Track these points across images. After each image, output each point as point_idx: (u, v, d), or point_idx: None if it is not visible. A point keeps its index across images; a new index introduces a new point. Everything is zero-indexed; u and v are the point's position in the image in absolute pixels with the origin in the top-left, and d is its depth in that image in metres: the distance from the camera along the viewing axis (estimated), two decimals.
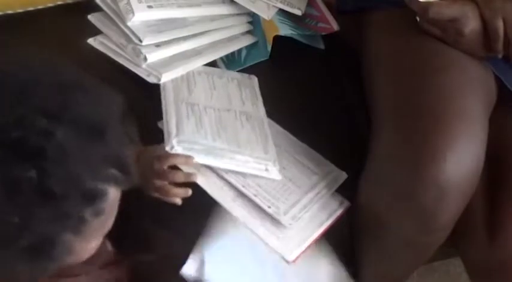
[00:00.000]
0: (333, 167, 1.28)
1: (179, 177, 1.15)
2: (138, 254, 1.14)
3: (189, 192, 1.15)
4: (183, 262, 1.27)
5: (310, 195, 1.23)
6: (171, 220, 1.29)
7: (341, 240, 1.28)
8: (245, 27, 1.41)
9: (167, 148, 1.18)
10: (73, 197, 0.74)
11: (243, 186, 1.20)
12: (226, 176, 1.21)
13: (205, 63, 1.35)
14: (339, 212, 1.23)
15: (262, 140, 1.27)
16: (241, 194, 1.20)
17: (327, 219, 1.22)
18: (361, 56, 1.36)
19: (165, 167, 1.14)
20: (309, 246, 1.19)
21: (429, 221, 1.10)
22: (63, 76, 0.79)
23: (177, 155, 1.17)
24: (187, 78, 1.32)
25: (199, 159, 1.20)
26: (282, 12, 1.40)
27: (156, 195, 1.15)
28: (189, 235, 1.31)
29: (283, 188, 1.23)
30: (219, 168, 1.20)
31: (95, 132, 0.76)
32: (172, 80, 1.30)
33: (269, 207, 1.19)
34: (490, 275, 1.22)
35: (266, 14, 1.37)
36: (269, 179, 1.22)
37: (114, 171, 0.78)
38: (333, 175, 1.27)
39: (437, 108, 1.12)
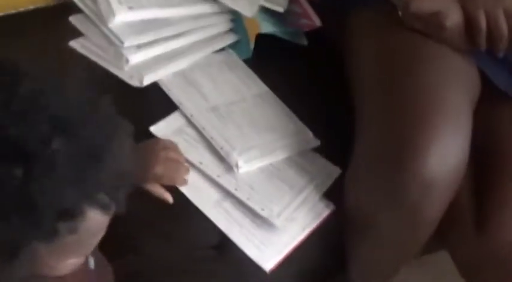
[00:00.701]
0: (326, 162, 1.28)
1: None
2: (124, 257, 1.13)
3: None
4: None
5: (303, 194, 1.23)
6: (156, 223, 1.29)
7: (329, 236, 1.27)
8: (227, 26, 1.41)
9: (233, 165, 1.21)
10: (50, 207, 0.73)
11: (236, 189, 1.20)
12: (218, 180, 1.21)
13: (187, 64, 1.34)
14: (323, 215, 1.23)
15: (287, 115, 1.31)
16: (230, 197, 1.20)
17: (311, 223, 1.22)
18: (344, 53, 1.35)
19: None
20: (289, 253, 1.18)
21: (415, 216, 1.11)
22: (78, 93, 0.79)
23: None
24: (188, 79, 1.32)
25: (261, 161, 1.24)
26: (264, 9, 1.39)
27: (151, 186, 1.15)
28: (175, 238, 1.31)
29: (276, 189, 1.22)
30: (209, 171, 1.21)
31: (94, 154, 0.75)
32: (178, 88, 1.30)
33: (262, 209, 1.18)
34: (479, 267, 1.22)
35: (248, 11, 1.37)
36: (261, 179, 1.23)
37: (102, 197, 0.77)
38: (326, 171, 1.27)
39: (419, 102, 1.12)
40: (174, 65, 1.32)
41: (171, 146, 1.18)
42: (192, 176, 1.20)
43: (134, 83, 1.27)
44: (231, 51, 1.40)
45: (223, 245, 1.35)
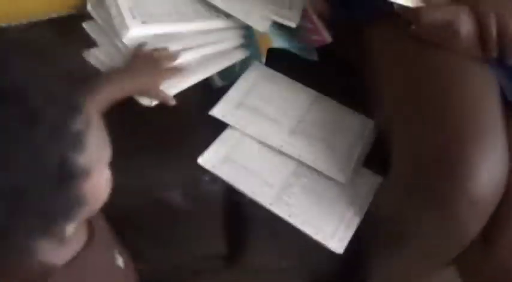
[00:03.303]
0: (366, 171, 1.29)
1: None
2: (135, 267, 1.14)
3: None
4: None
5: (352, 210, 1.24)
6: (167, 234, 1.31)
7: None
8: (239, 41, 1.41)
9: (343, 183, 1.25)
10: (61, 109, 0.76)
11: (289, 216, 1.21)
12: (271, 207, 1.22)
13: (198, 80, 1.32)
14: None
15: (347, 112, 1.36)
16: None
17: None
18: (361, 69, 1.36)
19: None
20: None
21: (460, 234, 1.12)
22: None
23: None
24: (249, 108, 1.32)
25: (357, 168, 1.28)
26: (275, 24, 1.39)
27: (155, 94, 1.25)
28: (180, 247, 1.34)
29: (327, 208, 1.24)
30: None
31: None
32: (246, 120, 1.30)
33: (317, 233, 1.20)
34: (486, 279, 1.22)
35: (260, 26, 1.37)
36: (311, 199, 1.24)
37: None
38: (369, 182, 1.28)
39: (469, 120, 1.12)
40: (185, 83, 1.31)
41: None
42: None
43: (145, 103, 1.27)
44: (257, 62, 1.39)
45: (232, 255, 1.37)
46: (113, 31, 1.30)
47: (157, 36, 1.30)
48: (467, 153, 1.08)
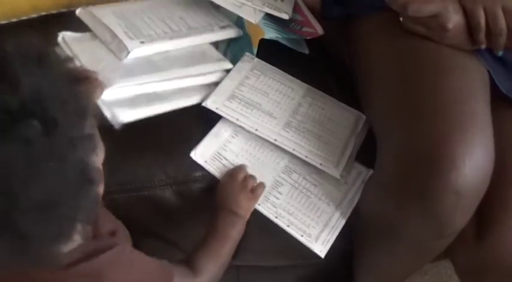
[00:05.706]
0: (359, 166, 1.30)
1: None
2: None
3: None
4: None
5: (340, 210, 1.26)
6: (161, 230, 1.34)
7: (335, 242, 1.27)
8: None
9: (337, 177, 1.25)
10: (73, 115, 0.78)
11: (276, 217, 1.23)
12: (258, 208, 1.23)
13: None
14: None
15: (339, 106, 1.35)
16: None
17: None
18: (353, 63, 1.36)
19: None
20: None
21: (445, 226, 1.12)
22: None
23: None
24: (243, 100, 1.31)
25: (351, 163, 1.28)
26: (267, 16, 1.39)
27: None
28: (179, 244, 1.37)
29: (314, 209, 1.25)
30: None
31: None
32: (241, 113, 1.29)
33: (302, 235, 1.22)
34: (480, 274, 1.24)
35: (252, 18, 1.36)
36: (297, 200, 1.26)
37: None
38: (361, 177, 1.29)
39: (454, 112, 1.12)
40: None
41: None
42: None
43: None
44: (248, 54, 1.38)
45: None
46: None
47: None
48: (450, 144, 1.08)
